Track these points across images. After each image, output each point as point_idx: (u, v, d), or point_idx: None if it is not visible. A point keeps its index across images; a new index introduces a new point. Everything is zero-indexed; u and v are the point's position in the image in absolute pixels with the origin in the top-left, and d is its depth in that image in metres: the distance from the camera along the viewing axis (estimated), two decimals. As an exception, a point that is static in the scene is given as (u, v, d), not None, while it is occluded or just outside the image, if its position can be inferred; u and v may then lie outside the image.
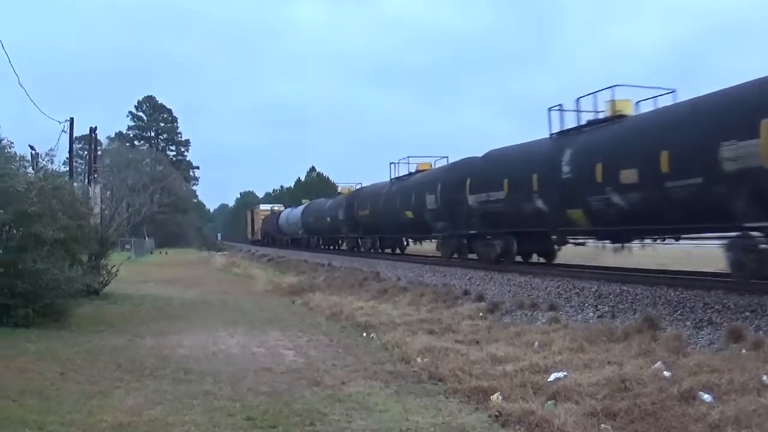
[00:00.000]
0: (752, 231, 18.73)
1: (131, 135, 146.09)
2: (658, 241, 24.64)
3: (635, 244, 25.65)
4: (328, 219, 64.88)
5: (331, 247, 70.27)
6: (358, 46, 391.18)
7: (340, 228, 61.65)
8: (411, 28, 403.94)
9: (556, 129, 27.55)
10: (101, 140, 74.84)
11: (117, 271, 28.75)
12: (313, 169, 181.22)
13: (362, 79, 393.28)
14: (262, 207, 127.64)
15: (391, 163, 51.59)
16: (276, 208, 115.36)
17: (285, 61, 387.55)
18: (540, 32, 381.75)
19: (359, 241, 58.80)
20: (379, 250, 53.77)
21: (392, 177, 51.29)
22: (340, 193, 70.21)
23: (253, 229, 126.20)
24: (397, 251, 54.40)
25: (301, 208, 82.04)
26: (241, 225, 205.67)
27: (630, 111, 25.43)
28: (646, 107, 24.75)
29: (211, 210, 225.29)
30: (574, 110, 27.64)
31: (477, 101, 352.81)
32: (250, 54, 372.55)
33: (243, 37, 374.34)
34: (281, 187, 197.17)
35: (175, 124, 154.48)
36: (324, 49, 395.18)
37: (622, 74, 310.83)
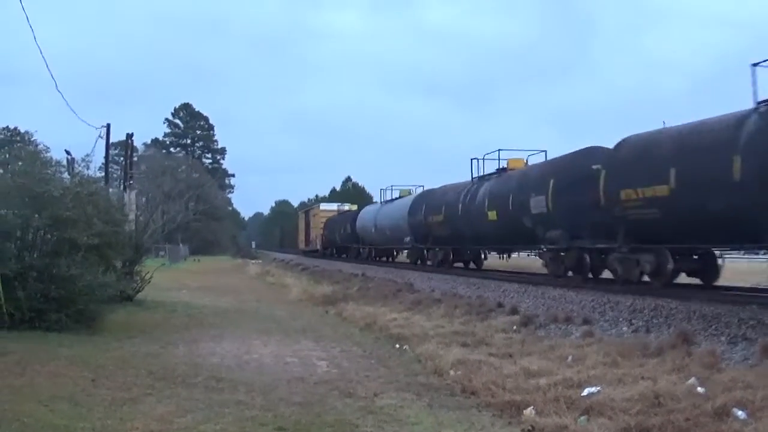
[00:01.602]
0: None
1: (167, 142, 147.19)
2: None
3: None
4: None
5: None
6: (396, 54, 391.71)
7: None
8: (448, 37, 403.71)
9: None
10: (137, 146, 75.03)
11: (151, 277, 28.80)
12: (348, 179, 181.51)
13: (399, 87, 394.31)
14: (324, 207, 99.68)
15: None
16: (348, 207, 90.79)
17: (321, 69, 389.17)
18: (578, 41, 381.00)
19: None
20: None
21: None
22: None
23: (308, 236, 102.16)
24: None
25: (404, 201, 54.41)
26: (277, 233, 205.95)
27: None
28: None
29: (246, 218, 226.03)
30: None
31: (515, 110, 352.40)
32: (286, 61, 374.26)
33: (280, 44, 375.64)
34: (316, 196, 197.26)
35: (211, 131, 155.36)
36: (361, 57, 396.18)
37: (663, 86, 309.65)
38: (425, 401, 11.74)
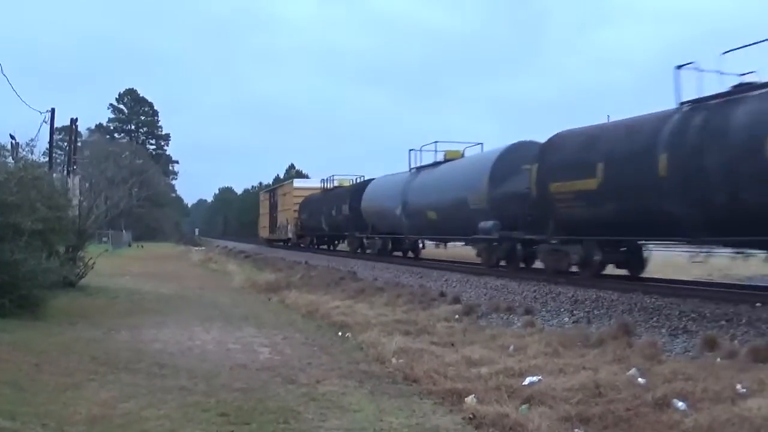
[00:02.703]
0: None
1: (111, 127, 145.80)
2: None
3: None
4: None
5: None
6: (343, 43, 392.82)
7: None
8: (397, 27, 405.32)
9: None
10: (82, 132, 74.72)
11: (94, 263, 28.65)
12: (292, 166, 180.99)
13: (346, 76, 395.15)
14: (299, 183, 79.88)
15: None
16: (337, 182, 65.58)
17: (268, 57, 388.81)
18: (527, 35, 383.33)
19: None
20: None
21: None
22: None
23: (273, 221, 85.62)
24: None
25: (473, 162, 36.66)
26: (220, 221, 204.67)
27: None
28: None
29: (189, 205, 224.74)
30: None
31: (462, 102, 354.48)
32: (232, 49, 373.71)
33: (226, 31, 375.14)
34: (260, 183, 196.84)
35: (155, 117, 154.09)
36: (308, 45, 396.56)
37: (612, 80, 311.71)
38: (367, 389, 11.78)
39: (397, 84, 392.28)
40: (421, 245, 46.81)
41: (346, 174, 63.83)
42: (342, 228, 56.91)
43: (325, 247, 67.77)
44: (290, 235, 74.72)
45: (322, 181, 68.96)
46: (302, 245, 71.12)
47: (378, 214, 47.36)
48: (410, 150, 43.95)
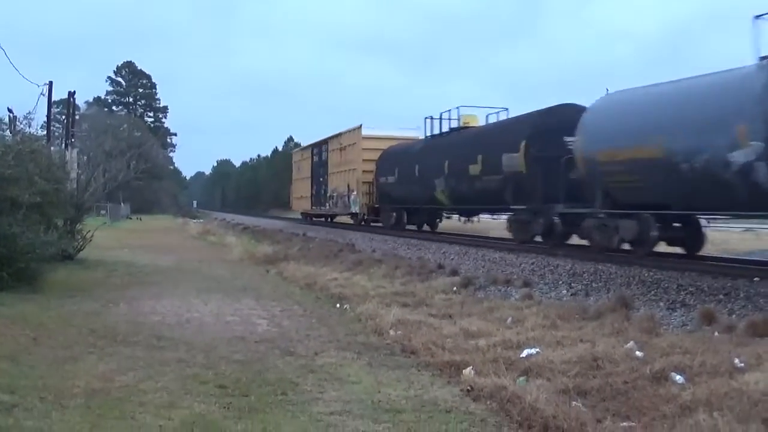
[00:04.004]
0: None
1: (109, 100, 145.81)
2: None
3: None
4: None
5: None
6: (341, 14, 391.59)
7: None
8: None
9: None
10: (79, 105, 74.40)
11: (92, 236, 28.67)
12: (290, 138, 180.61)
13: (346, 49, 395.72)
14: (372, 132, 50.83)
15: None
16: (466, 119, 39.25)
17: (265, 29, 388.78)
18: (528, 7, 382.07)
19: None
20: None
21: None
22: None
23: (321, 189, 61.67)
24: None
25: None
26: (218, 194, 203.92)
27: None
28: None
29: (188, 177, 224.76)
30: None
31: (462, 74, 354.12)
32: (230, 21, 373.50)
33: (225, 3, 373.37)
34: (258, 156, 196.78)
35: (153, 90, 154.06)
36: (306, 17, 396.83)
37: (613, 54, 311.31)
38: (365, 360, 11.83)
39: (398, 56, 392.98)
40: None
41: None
42: (498, 196, 31.37)
43: (428, 228, 44.85)
44: (355, 209, 51.33)
45: (428, 119, 41.97)
46: (382, 224, 47.86)
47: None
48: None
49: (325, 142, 60.50)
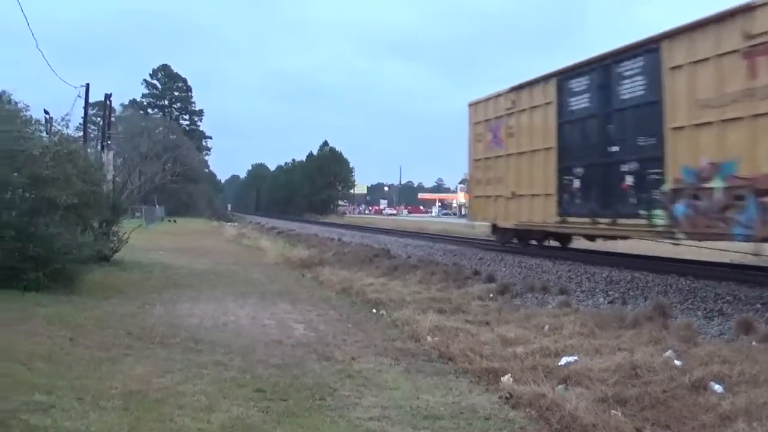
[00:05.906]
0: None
1: (145, 103, 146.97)
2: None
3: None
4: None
5: None
6: (378, 17, 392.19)
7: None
8: (433, 1, 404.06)
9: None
10: (115, 107, 74.83)
11: (128, 238, 28.80)
12: (326, 143, 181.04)
13: (380, 51, 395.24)
14: None
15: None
16: None
17: (301, 32, 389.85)
18: (569, 10, 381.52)
19: None
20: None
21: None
22: None
23: (592, 178, 23.38)
24: None
25: None
26: (253, 198, 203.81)
27: None
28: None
29: (222, 181, 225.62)
30: None
31: (498, 78, 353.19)
32: (266, 23, 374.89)
33: (261, 4, 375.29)
34: (293, 160, 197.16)
35: (189, 93, 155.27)
36: (342, 19, 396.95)
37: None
38: (403, 366, 11.78)
39: (433, 60, 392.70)
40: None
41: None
42: None
43: None
44: None
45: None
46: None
47: None
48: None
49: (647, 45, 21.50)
